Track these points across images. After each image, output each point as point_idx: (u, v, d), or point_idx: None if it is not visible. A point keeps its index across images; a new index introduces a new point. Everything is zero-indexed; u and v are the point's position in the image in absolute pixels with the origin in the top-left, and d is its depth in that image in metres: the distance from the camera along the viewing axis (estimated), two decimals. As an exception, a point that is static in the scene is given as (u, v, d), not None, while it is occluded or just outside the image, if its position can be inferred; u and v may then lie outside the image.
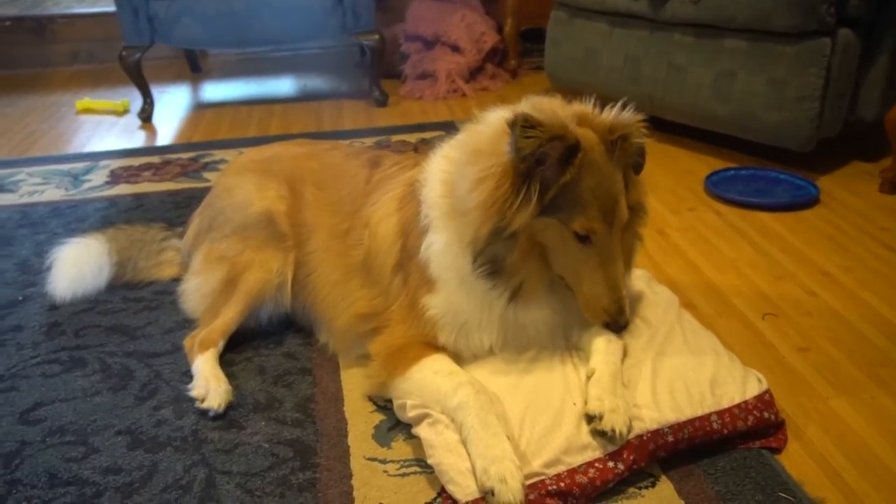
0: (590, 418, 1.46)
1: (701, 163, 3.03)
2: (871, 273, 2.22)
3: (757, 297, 2.12)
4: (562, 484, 1.39)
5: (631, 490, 1.46)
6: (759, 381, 1.61)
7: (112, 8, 3.75)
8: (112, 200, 2.89)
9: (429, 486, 1.48)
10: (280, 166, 2.07)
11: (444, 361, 1.60)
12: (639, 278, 1.90)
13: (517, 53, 4.41)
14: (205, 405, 1.68)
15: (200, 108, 4.16)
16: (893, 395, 1.71)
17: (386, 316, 1.73)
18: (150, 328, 2.04)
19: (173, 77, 4.69)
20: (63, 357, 1.93)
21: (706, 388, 1.56)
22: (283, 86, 4.58)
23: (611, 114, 1.52)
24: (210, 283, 1.93)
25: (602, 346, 1.58)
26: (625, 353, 1.62)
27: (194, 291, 1.99)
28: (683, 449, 1.51)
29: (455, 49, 4.19)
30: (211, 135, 3.65)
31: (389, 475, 1.51)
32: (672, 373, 1.59)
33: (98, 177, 3.13)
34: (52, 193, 2.98)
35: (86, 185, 3.05)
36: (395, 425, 1.65)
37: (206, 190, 2.24)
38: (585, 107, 1.55)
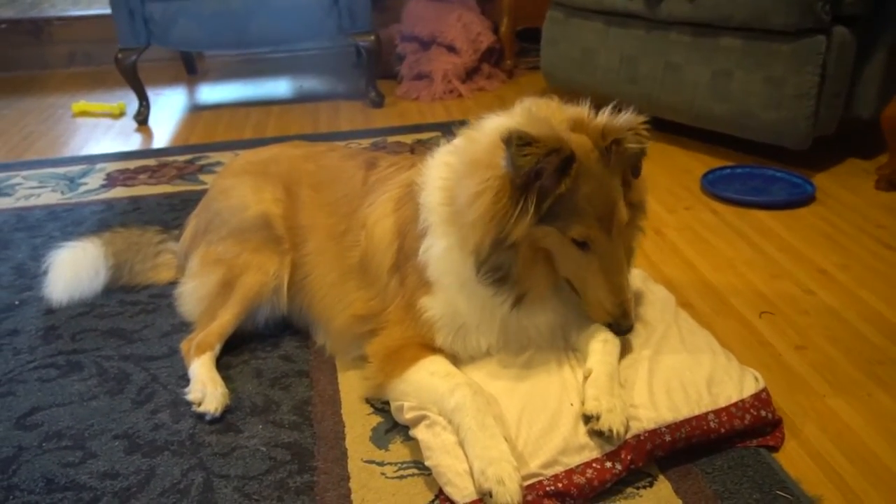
0: (587, 418, 1.46)
1: (698, 161, 3.03)
2: (868, 271, 2.22)
3: (754, 295, 2.12)
4: (559, 485, 1.39)
5: (629, 490, 1.46)
6: (756, 379, 1.61)
7: (108, 10, 3.75)
8: (108, 203, 2.89)
9: (427, 488, 1.48)
10: (276, 168, 2.07)
11: (441, 363, 1.60)
12: (636, 278, 1.90)
13: (513, 53, 4.41)
14: (202, 409, 1.68)
15: (197, 110, 4.15)
16: (891, 393, 1.71)
17: (383, 317, 1.73)
18: (146, 331, 2.04)
19: (169, 79, 4.68)
20: (60, 361, 1.93)
21: (703, 388, 1.56)
22: (279, 87, 4.58)
23: (605, 118, 1.51)
24: (206, 285, 1.93)
25: (599, 347, 1.57)
26: (629, 350, 1.63)
27: (191, 294, 1.99)
28: (681, 448, 1.51)
29: (451, 49, 4.19)
30: (207, 137, 3.65)
31: (387, 477, 1.51)
32: (669, 372, 1.59)
33: (94, 180, 3.13)
34: (49, 197, 2.98)
35: (82, 189, 3.04)
36: (392, 427, 1.64)
37: (203, 192, 2.24)
38: (581, 110, 1.54)
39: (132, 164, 3.28)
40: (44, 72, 4.92)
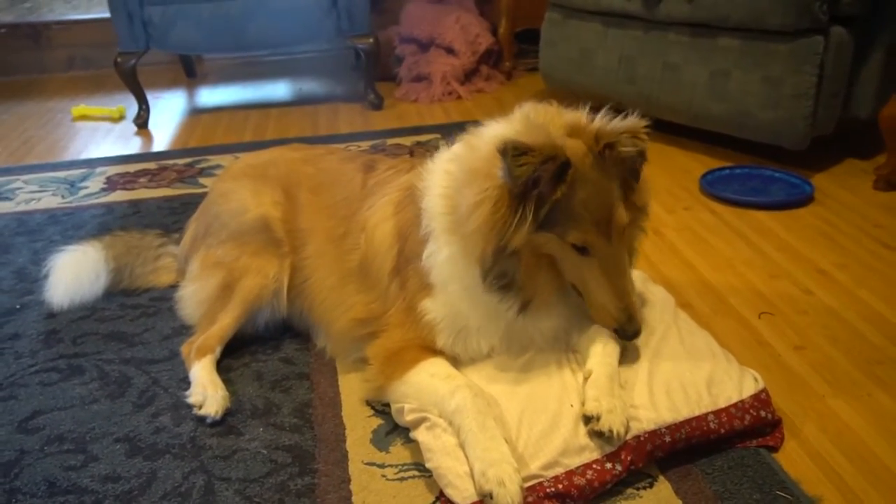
0: (587, 419, 1.46)
1: (696, 162, 3.03)
2: (867, 270, 2.23)
3: (753, 295, 2.12)
4: (560, 486, 1.40)
5: (629, 491, 1.46)
6: (756, 380, 1.62)
7: (107, 14, 3.75)
8: (109, 207, 2.89)
9: (427, 489, 1.48)
10: (275, 171, 2.07)
11: (442, 365, 1.61)
12: (635, 279, 1.90)
13: (512, 55, 4.42)
14: (202, 412, 1.69)
15: (196, 114, 4.16)
16: (890, 393, 1.72)
17: (383, 320, 1.73)
18: (147, 335, 2.04)
19: (169, 82, 4.69)
20: (61, 365, 1.93)
21: (703, 388, 1.56)
22: (278, 90, 4.59)
23: (600, 122, 1.50)
24: (207, 289, 1.94)
25: (599, 348, 1.58)
26: (631, 352, 1.63)
27: (191, 297, 1.99)
28: (681, 449, 1.51)
29: (450, 51, 4.20)
30: (207, 140, 3.65)
31: (388, 479, 1.51)
32: (669, 373, 1.59)
33: (94, 184, 3.13)
34: (49, 201, 2.98)
35: (82, 192, 3.05)
36: (393, 429, 1.65)
37: (203, 195, 2.24)
38: (579, 115, 1.54)
39: (132, 168, 3.29)
40: (43, 76, 4.93)
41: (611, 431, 1.43)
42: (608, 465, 1.43)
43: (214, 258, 1.96)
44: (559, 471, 1.41)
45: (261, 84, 4.67)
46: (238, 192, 2.03)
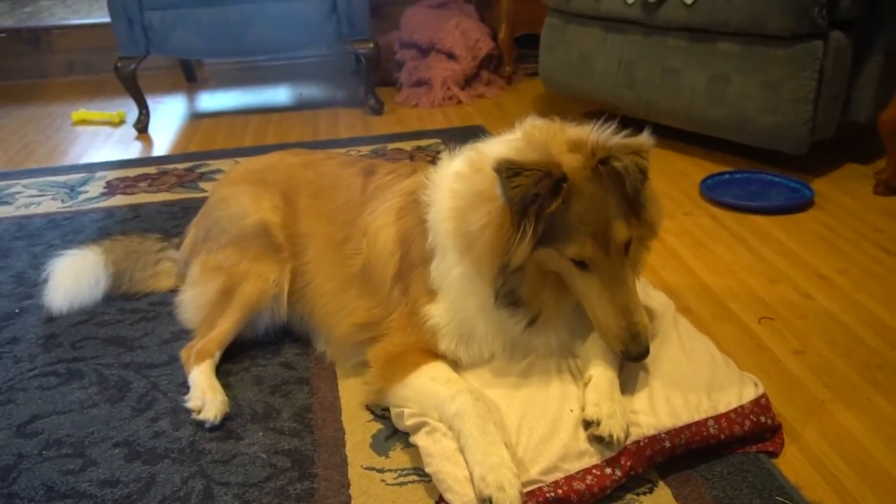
0: (587, 424, 1.46)
1: (696, 167, 3.03)
2: (867, 275, 2.23)
3: (753, 300, 2.12)
4: (559, 491, 1.39)
5: (629, 496, 1.46)
6: (756, 385, 1.62)
7: (107, 18, 3.76)
8: (108, 211, 2.89)
9: (427, 494, 1.48)
10: (275, 176, 2.07)
11: (443, 369, 1.61)
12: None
13: (512, 59, 4.42)
14: (201, 417, 1.68)
15: (196, 118, 4.16)
16: (890, 398, 1.72)
17: (385, 324, 1.73)
18: (146, 339, 2.04)
19: (169, 87, 4.69)
20: (60, 369, 1.93)
21: (703, 394, 1.56)
22: (278, 95, 4.59)
23: (598, 136, 1.49)
24: (206, 293, 1.93)
25: (599, 353, 1.58)
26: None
27: (191, 302, 1.99)
28: (681, 454, 1.51)
29: (450, 56, 4.20)
30: (207, 145, 3.65)
31: (387, 484, 1.51)
32: (669, 378, 1.59)
33: (94, 188, 3.13)
34: (49, 205, 2.98)
35: (82, 197, 3.05)
36: (392, 434, 1.65)
37: (203, 200, 2.24)
38: (583, 130, 1.52)
39: (132, 172, 3.29)
40: (43, 81, 4.94)
41: (611, 436, 1.42)
42: (608, 471, 1.43)
43: (214, 263, 1.96)
44: (559, 476, 1.41)
45: (261, 89, 4.68)
46: (238, 197, 2.03)
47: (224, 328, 1.88)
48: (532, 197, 1.39)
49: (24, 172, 3.36)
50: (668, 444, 1.49)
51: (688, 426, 1.51)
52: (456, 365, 1.65)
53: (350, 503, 1.47)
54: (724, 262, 2.34)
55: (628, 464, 1.45)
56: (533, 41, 3.97)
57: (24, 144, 3.79)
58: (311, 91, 4.57)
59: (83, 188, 3.14)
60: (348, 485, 1.51)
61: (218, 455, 1.61)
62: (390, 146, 3.45)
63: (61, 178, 3.25)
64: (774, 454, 1.56)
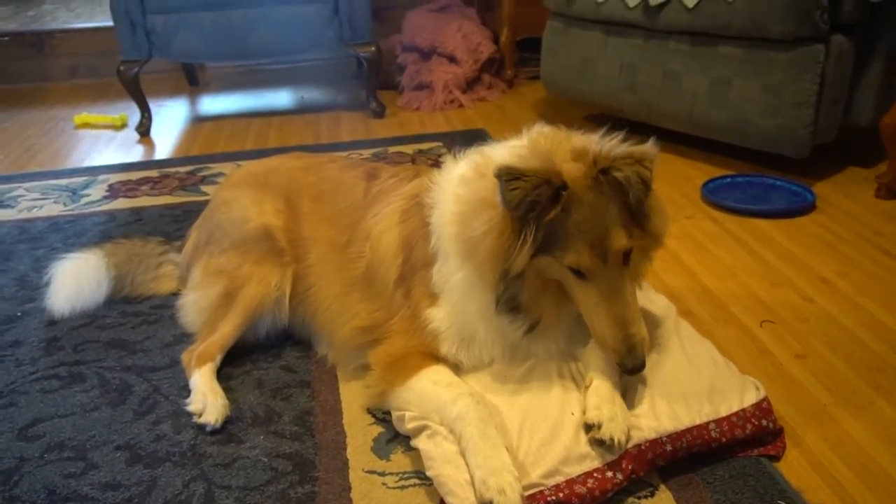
0: (588, 427, 1.46)
1: (697, 170, 3.03)
2: (869, 278, 2.23)
3: (754, 304, 2.12)
4: (560, 494, 1.39)
5: (630, 500, 1.46)
6: (757, 388, 1.62)
7: (110, 22, 3.77)
8: (110, 215, 2.90)
9: (428, 498, 1.48)
10: (277, 180, 2.08)
11: (444, 372, 1.61)
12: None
13: (514, 63, 4.42)
14: (202, 420, 1.69)
15: (198, 122, 4.17)
16: (891, 401, 1.71)
17: (387, 328, 1.74)
18: (148, 342, 2.04)
19: (171, 90, 4.70)
20: (62, 372, 1.93)
21: (704, 397, 1.56)
22: (280, 98, 4.60)
23: (601, 145, 1.48)
24: (208, 297, 1.94)
25: (600, 357, 1.57)
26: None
27: (192, 306, 1.99)
28: (682, 458, 1.51)
29: (452, 59, 4.21)
30: (209, 148, 3.66)
31: (388, 488, 1.51)
32: (670, 382, 1.59)
33: (96, 191, 3.14)
34: (51, 208, 2.99)
35: (84, 200, 3.05)
36: (393, 437, 1.65)
37: (205, 203, 2.25)
38: (588, 138, 1.52)
39: (134, 176, 3.29)
40: (46, 84, 4.94)
41: (612, 440, 1.42)
42: (609, 474, 1.43)
43: (216, 266, 1.96)
44: (560, 479, 1.41)
45: (263, 92, 4.69)
46: (240, 201, 2.03)
47: (225, 332, 1.88)
48: (531, 204, 1.39)
49: (27, 176, 3.36)
50: (669, 447, 1.49)
51: (689, 429, 1.51)
52: (457, 369, 1.65)
53: (351, 507, 1.47)
54: (726, 265, 2.34)
55: (629, 467, 1.45)
56: (534, 45, 3.98)
57: (27, 148, 3.79)
58: (313, 94, 4.58)
59: (85, 191, 3.14)
60: (349, 488, 1.51)
61: (219, 458, 1.61)
62: (392, 149, 3.45)
63: (63, 182, 3.26)
64: (776, 458, 1.55)
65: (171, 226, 2.73)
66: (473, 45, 4.26)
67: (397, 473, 1.55)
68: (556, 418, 1.49)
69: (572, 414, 1.50)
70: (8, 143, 3.87)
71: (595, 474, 1.43)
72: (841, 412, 1.68)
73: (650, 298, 1.89)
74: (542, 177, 1.39)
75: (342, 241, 1.90)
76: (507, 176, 1.39)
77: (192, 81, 4.82)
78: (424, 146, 3.47)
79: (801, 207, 2.66)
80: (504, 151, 1.57)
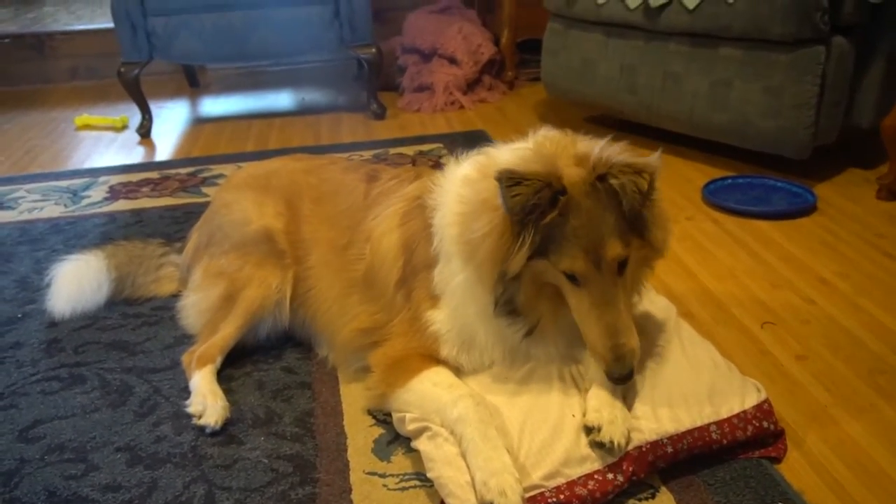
0: (588, 430, 1.46)
1: (698, 171, 3.03)
2: (869, 280, 2.22)
3: (755, 305, 2.12)
4: (561, 496, 1.39)
5: (631, 502, 1.46)
6: (758, 390, 1.61)
7: (111, 24, 3.77)
8: (111, 216, 2.90)
9: (428, 499, 1.48)
10: (278, 182, 2.08)
11: (444, 374, 1.61)
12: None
13: (514, 64, 4.43)
14: (202, 422, 1.69)
15: (199, 123, 4.17)
16: (893, 403, 1.71)
17: (387, 329, 1.74)
18: (149, 344, 2.04)
19: (172, 92, 4.71)
20: (62, 374, 1.93)
21: (705, 399, 1.56)
22: (281, 100, 4.60)
23: (602, 151, 1.47)
24: (209, 298, 1.94)
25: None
26: (639, 363, 1.60)
27: (193, 307, 1.99)
28: (683, 460, 1.51)
29: (452, 61, 4.21)
30: (210, 149, 3.66)
31: (389, 489, 1.51)
32: (670, 383, 1.59)
33: (97, 193, 3.14)
34: (52, 210, 2.99)
35: (85, 202, 3.06)
36: (394, 439, 1.65)
37: (205, 205, 2.25)
38: (592, 144, 1.51)
39: (135, 177, 3.30)
40: (47, 86, 4.95)
41: (612, 442, 1.42)
42: (610, 476, 1.43)
43: (217, 268, 1.96)
44: (560, 481, 1.41)
45: (263, 94, 4.69)
46: (241, 203, 2.04)
47: (226, 333, 1.88)
48: (531, 207, 1.39)
49: (28, 177, 3.37)
50: (670, 449, 1.49)
51: (690, 431, 1.51)
52: (458, 371, 1.65)
53: (352, 508, 1.47)
54: (727, 266, 2.34)
55: (630, 469, 1.44)
56: (535, 46, 3.98)
57: (28, 149, 3.80)
58: (314, 96, 4.58)
59: (86, 193, 3.15)
60: (350, 490, 1.51)
61: (220, 460, 1.61)
62: (392, 151, 3.45)
63: (64, 183, 3.26)
64: (777, 459, 1.55)
65: (172, 227, 2.74)
66: (474, 46, 4.26)
67: (398, 475, 1.55)
68: (556, 420, 1.49)
69: (573, 416, 1.50)
70: (9, 145, 3.87)
71: (596, 476, 1.43)
72: (841, 413, 1.68)
73: (651, 300, 1.88)
74: (543, 180, 1.39)
75: (343, 243, 1.90)
76: (508, 180, 1.39)
77: (192, 83, 4.83)
78: (425, 147, 3.47)
79: (802, 209, 2.66)
80: (508, 153, 1.57)
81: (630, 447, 1.46)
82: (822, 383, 1.79)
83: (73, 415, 1.78)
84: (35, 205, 3.05)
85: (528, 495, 1.37)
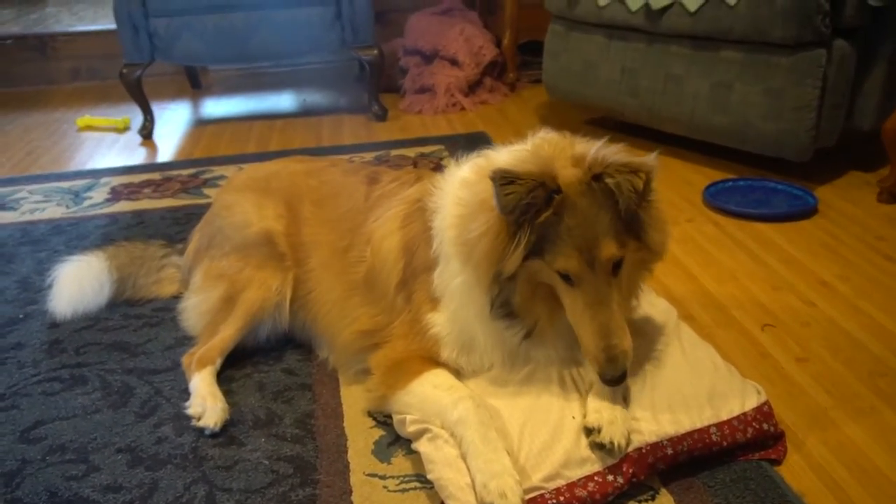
0: (588, 431, 1.46)
1: (699, 174, 3.04)
2: (870, 282, 2.22)
3: (755, 307, 2.12)
4: (561, 498, 1.39)
5: (631, 503, 1.46)
6: (759, 392, 1.62)
7: (113, 25, 3.78)
8: (113, 217, 2.90)
9: (429, 501, 1.48)
10: (278, 184, 2.08)
11: (445, 376, 1.61)
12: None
13: (515, 66, 4.43)
14: (201, 423, 1.69)
15: (201, 125, 4.18)
16: (893, 405, 1.71)
17: (388, 332, 1.74)
18: (150, 345, 2.05)
19: (174, 93, 4.71)
20: (64, 375, 1.94)
21: (705, 401, 1.56)
22: (282, 101, 4.61)
23: (599, 151, 1.47)
24: (209, 300, 1.94)
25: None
26: (639, 365, 1.61)
27: (194, 309, 2.00)
28: (683, 461, 1.51)
29: (454, 63, 4.21)
30: (211, 151, 3.67)
31: (389, 491, 1.51)
32: (671, 385, 1.59)
33: (99, 194, 3.15)
34: (53, 211, 2.99)
35: (86, 203, 3.06)
36: (394, 441, 1.65)
37: (207, 206, 2.25)
38: (590, 145, 1.51)
39: (136, 179, 3.30)
40: (49, 87, 4.96)
41: (612, 443, 1.43)
42: (610, 478, 1.43)
43: (218, 270, 1.97)
44: (561, 483, 1.41)
45: (265, 95, 4.70)
46: (241, 205, 2.04)
47: (226, 335, 1.88)
48: (525, 206, 1.39)
49: (29, 178, 3.37)
50: (670, 451, 1.49)
51: (690, 433, 1.51)
52: (458, 373, 1.65)
53: (352, 510, 1.47)
54: (727, 269, 2.34)
55: (630, 471, 1.45)
56: (536, 48, 3.98)
57: (30, 150, 3.80)
58: (315, 98, 4.59)
59: (88, 194, 3.15)
60: (350, 491, 1.51)
61: (220, 461, 1.61)
62: (394, 153, 3.46)
63: (66, 184, 3.27)
64: (777, 462, 1.55)
65: (173, 228, 2.74)
66: (475, 48, 4.27)
67: (398, 476, 1.55)
68: (556, 422, 1.50)
69: (573, 418, 1.51)
70: (11, 146, 3.88)
71: (596, 478, 1.43)
72: (842, 416, 1.68)
73: (651, 302, 1.89)
74: (537, 180, 1.39)
75: (343, 246, 1.91)
76: (502, 179, 1.40)
77: (194, 84, 4.84)
78: (426, 149, 3.47)
79: (803, 211, 2.66)
80: (506, 155, 1.57)
81: (630, 449, 1.46)
82: (823, 386, 1.79)
83: (75, 416, 1.78)
84: (37, 206, 3.05)
85: (528, 497, 1.38)
